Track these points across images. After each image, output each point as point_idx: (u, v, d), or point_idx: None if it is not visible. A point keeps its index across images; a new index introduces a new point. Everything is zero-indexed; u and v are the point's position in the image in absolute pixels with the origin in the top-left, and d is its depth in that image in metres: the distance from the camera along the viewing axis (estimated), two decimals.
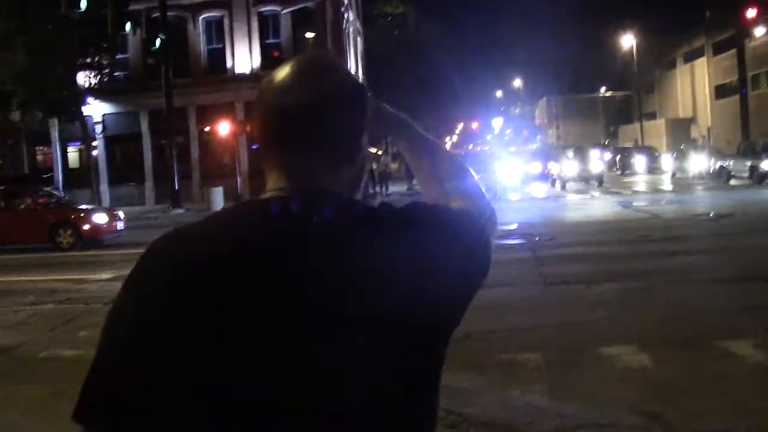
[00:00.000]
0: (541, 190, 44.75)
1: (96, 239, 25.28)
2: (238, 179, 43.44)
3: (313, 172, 1.71)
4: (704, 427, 6.92)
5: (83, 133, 40.32)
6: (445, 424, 7.24)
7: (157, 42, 34.46)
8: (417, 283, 1.60)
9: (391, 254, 1.60)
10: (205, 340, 1.48)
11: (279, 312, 1.51)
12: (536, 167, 54.74)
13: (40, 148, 48.76)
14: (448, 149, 2.27)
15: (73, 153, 48.66)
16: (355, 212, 1.67)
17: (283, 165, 1.72)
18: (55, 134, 45.61)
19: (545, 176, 51.37)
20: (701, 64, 79.53)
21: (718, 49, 74.59)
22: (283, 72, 1.75)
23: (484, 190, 2.15)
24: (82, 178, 42.60)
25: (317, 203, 1.64)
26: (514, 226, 24.10)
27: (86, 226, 25.35)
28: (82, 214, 26.10)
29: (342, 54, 49.35)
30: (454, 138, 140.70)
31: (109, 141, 47.76)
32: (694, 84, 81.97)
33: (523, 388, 8.23)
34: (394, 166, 59.26)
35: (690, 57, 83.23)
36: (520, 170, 54.35)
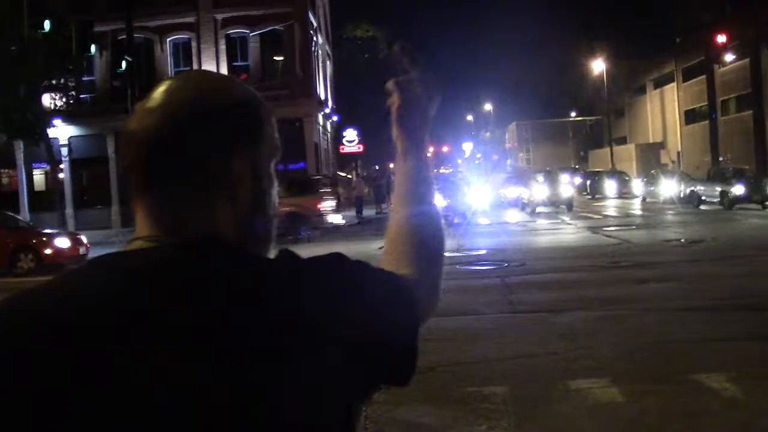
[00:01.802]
0: (511, 214, 44.67)
1: (58, 264, 24.71)
2: None
3: (185, 212, 1.46)
4: None
5: (49, 155, 39.93)
6: None
7: (123, 64, 34.07)
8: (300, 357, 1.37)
9: (269, 320, 1.37)
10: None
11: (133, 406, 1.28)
12: (511, 192, 54.79)
13: (5, 170, 48.25)
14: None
15: (38, 176, 48.08)
16: (232, 267, 1.42)
17: (149, 205, 1.47)
18: (20, 156, 45.08)
19: (516, 201, 51.40)
20: (671, 90, 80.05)
21: (687, 75, 75.05)
22: (152, 93, 1.51)
23: (447, 219, 1.80)
24: (47, 201, 42.22)
25: (190, 255, 1.41)
26: (483, 252, 23.91)
27: (48, 251, 25.10)
28: (44, 239, 25.86)
29: (311, 77, 49.22)
30: None
31: (76, 164, 47.36)
32: (664, 109, 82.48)
33: (489, 425, 7.89)
34: (366, 190, 59.01)
35: (660, 82, 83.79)
36: (491, 195, 54.36)
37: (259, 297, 1.39)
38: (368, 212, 48.96)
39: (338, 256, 1.54)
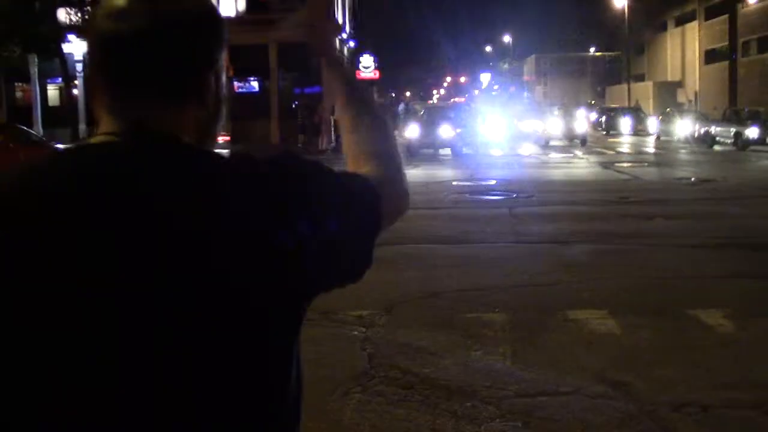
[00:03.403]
0: (524, 147, 44.50)
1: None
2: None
3: (151, 112, 1.48)
4: (669, 399, 6.63)
5: (63, 71, 39.72)
6: (400, 384, 7.04)
7: None
8: (250, 246, 1.40)
9: (221, 213, 1.40)
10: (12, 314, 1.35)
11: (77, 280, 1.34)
12: (526, 124, 54.49)
13: (19, 84, 48.04)
14: (389, 128, 1.96)
15: (53, 91, 47.89)
16: (193, 162, 1.47)
17: (114, 104, 1.50)
18: (34, 71, 44.98)
19: (531, 134, 51.13)
20: (692, 28, 79.10)
21: (710, 14, 74.11)
22: None
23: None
24: (61, 116, 42.12)
25: (150, 150, 1.45)
26: (493, 182, 23.90)
27: None
28: None
29: (330, 1, 48.75)
30: (441, 91, 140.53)
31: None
32: (684, 48, 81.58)
33: (485, 350, 7.95)
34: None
35: (681, 20, 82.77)
36: (506, 126, 54.05)
37: (217, 190, 1.42)
38: None
39: (293, 155, 1.56)
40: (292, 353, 1.49)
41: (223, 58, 1.58)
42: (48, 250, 1.35)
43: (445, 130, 36.75)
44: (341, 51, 52.36)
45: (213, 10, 1.58)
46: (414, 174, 24.50)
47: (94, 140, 1.49)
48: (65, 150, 1.53)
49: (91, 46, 1.51)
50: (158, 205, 1.38)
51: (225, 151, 1.60)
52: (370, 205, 1.60)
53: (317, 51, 1.94)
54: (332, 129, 44.13)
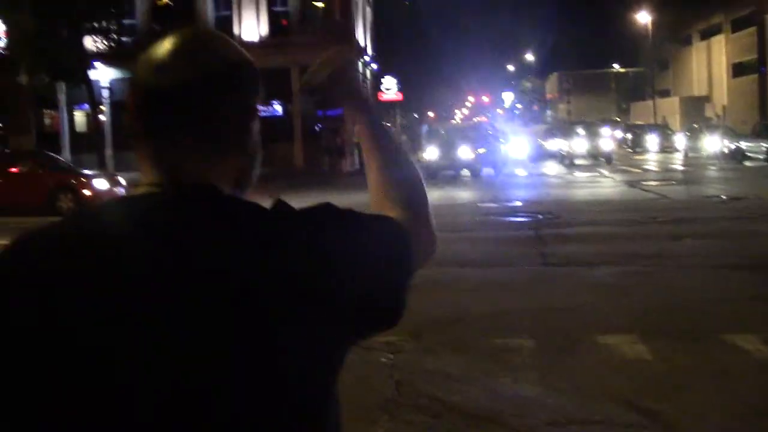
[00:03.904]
0: (549, 166, 44.39)
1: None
2: None
3: (191, 163, 1.52)
4: (705, 428, 6.52)
5: (90, 97, 40.19)
6: (429, 413, 7.02)
7: (162, 6, 33.98)
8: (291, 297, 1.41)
9: (263, 265, 1.41)
10: (48, 365, 1.35)
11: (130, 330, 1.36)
12: (550, 143, 54.41)
13: (47, 111, 48.56)
14: (398, 141, 1.99)
15: (80, 117, 48.50)
16: (236, 215, 1.48)
17: (156, 155, 1.53)
18: (62, 98, 45.49)
19: (555, 153, 51.01)
20: (718, 42, 78.89)
21: (736, 26, 73.91)
22: (162, 47, 1.55)
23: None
24: (88, 142, 42.55)
25: (194, 203, 1.48)
26: (518, 204, 23.82)
27: (86, 191, 25.31)
28: (83, 179, 26.15)
29: (351, 23, 48.91)
30: (464, 111, 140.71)
31: (116, 106, 47.41)
32: (711, 61, 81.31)
33: (513, 376, 7.89)
34: (403, 137, 58.73)
35: (707, 33, 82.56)
36: (529, 146, 53.95)
37: (259, 242, 1.43)
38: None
39: (328, 206, 1.57)
40: (331, 398, 1.50)
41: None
42: (94, 301, 1.37)
43: (464, 151, 36.54)
44: (363, 74, 52.43)
45: (249, 61, 1.61)
46: (437, 196, 24.55)
47: (138, 192, 1.52)
48: (113, 202, 1.58)
49: (133, 98, 1.54)
50: (202, 258, 1.40)
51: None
52: (404, 251, 1.62)
53: (343, 96, 1.93)
54: (356, 152, 44.22)
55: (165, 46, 1.54)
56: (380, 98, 60.88)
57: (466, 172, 36.76)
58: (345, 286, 1.46)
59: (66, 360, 1.34)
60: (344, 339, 1.51)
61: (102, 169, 34.27)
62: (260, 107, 1.63)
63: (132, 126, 1.55)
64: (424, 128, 50.46)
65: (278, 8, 47.43)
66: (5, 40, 38.60)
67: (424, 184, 1.86)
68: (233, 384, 1.37)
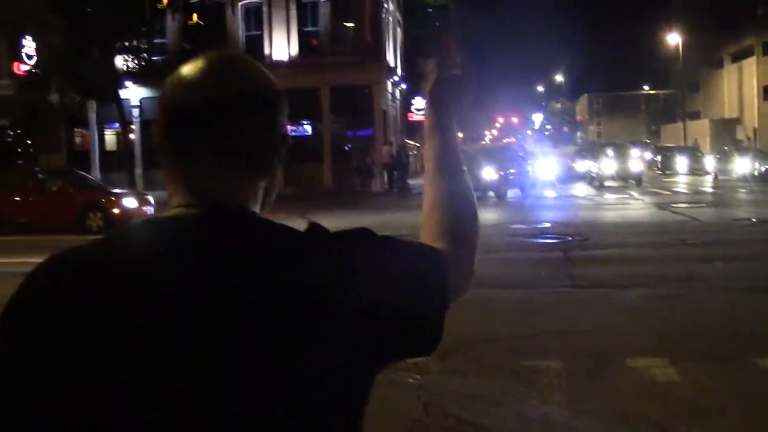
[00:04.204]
0: (578, 188, 44.28)
1: (125, 223, 25.06)
2: None
3: (220, 183, 1.54)
4: None
5: (120, 116, 40.49)
6: None
7: (194, 17, 34.13)
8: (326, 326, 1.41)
9: (299, 288, 1.41)
10: (92, 381, 1.34)
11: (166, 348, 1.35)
12: (580, 165, 54.31)
13: (78, 130, 48.96)
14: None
15: (110, 136, 48.82)
16: (270, 238, 1.49)
17: (186, 174, 1.54)
18: (93, 117, 45.88)
19: (585, 175, 50.91)
20: (750, 64, 78.58)
21: None
22: (191, 68, 1.57)
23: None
24: (118, 161, 42.86)
25: (228, 226, 1.49)
26: (547, 225, 23.75)
27: (116, 210, 25.48)
28: (112, 198, 26.34)
29: (381, 44, 49.01)
30: (494, 132, 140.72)
31: (146, 125, 47.69)
32: (742, 84, 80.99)
33: (542, 398, 7.83)
34: None
35: (738, 56, 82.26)
36: (559, 167, 53.87)
37: (299, 272, 1.43)
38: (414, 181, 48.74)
39: (364, 230, 1.57)
40: (361, 420, 1.50)
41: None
42: (122, 321, 1.37)
43: (488, 173, 36.31)
44: (394, 93, 52.58)
45: (276, 84, 1.62)
46: None
47: (169, 213, 1.53)
48: (145, 223, 1.56)
49: (162, 117, 1.56)
50: (235, 281, 1.40)
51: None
52: (441, 281, 1.60)
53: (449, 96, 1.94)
54: (385, 173, 44.28)
55: (195, 66, 1.56)
56: (410, 118, 61.00)
57: (491, 194, 36.55)
58: (375, 307, 1.45)
59: (90, 377, 1.34)
60: (376, 363, 1.51)
61: (131, 188, 34.48)
62: (289, 128, 1.64)
63: (161, 145, 1.56)
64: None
65: (309, 28, 47.61)
66: (36, 58, 38.99)
67: (477, 216, 1.86)
68: (270, 407, 1.37)
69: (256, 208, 1.58)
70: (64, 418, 1.35)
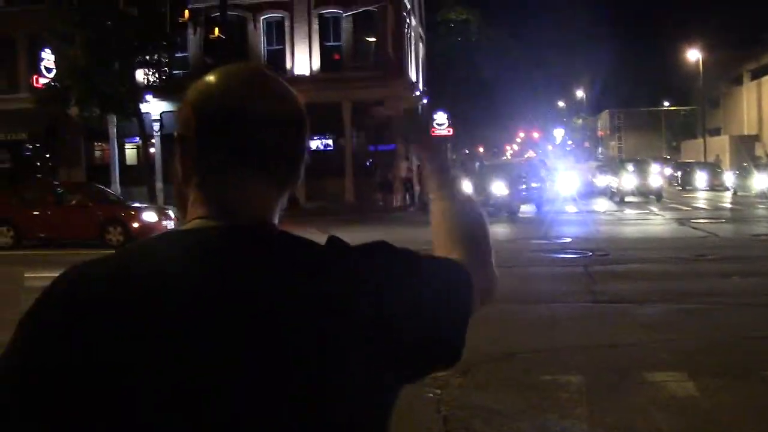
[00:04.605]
0: (599, 203, 44.17)
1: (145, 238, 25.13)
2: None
3: (243, 196, 1.53)
4: None
5: (141, 130, 40.40)
6: None
7: (216, 31, 34.10)
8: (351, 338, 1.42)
9: (320, 302, 1.42)
10: (108, 394, 1.32)
11: (186, 363, 1.34)
12: (601, 180, 54.21)
13: (98, 144, 48.99)
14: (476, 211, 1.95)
15: (130, 150, 48.74)
16: (292, 251, 1.50)
17: (214, 188, 1.53)
18: (113, 131, 45.89)
19: (606, 190, 50.80)
20: None
21: None
22: (223, 79, 1.56)
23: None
24: (138, 175, 42.83)
25: (250, 237, 1.49)
26: (568, 240, 23.71)
27: (136, 224, 25.44)
28: (132, 212, 26.34)
29: (403, 59, 49.01)
30: (515, 146, 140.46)
31: (167, 139, 47.66)
32: (761, 101, 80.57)
33: (561, 413, 7.83)
34: None
35: (758, 73, 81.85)
36: (580, 182, 53.77)
37: (318, 283, 1.44)
38: None
39: (383, 243, 1.58)
40: None
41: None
42: (148, 340, 1.35)
43: (498, 188, 36.14)
44: (415, 107, 52.59)
45: (299, 99, 1.62)
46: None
47: (189, 226, 1.52)
48: (165, 235, 1.55)
49: (188, 127, 1.54)
50: (257, 295, 1.40)
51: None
52: (463, 291, 1.62)
53: (414, 135, 2.01)
54: (405, 187, 44.25)
55: (227, 78, 1.55)
56: (431, 133, 60.94)
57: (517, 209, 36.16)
58: (396, 320, 1.46)
59: (105, 390, 1.32)
60: (400, 377, 1.51)
61: (151, 202, 34.48)
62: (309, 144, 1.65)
63: (185, 154, 1.56)
64: (478, 164, 50.38)
65: (331, 43, 47.58)
66: (55, 71, 39.08)
67: (488, 228, 1.88)
68: (278, 416, 1.36)
69: (276, 221, 1.57)
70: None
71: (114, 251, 1.54)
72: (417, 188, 43.34)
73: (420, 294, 1.52)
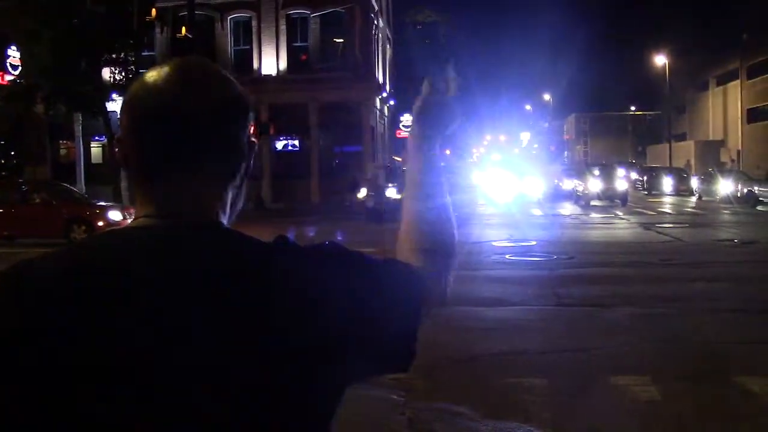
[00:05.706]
0: (564, 207, 44.36)
1: None
2: (263, 182, 43.06)
3: (188, 193, 1.51)
4: None
5: (107, 129, 40.17)
6: None
7: (182, 30, 33.97)
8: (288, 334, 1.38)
9: (266, 301, 1.38)
10: (29, 390, 1.33)
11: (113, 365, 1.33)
12: (566, 184, 54.45)
13: (64, 142, 48.76)
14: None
15: (96, 148, 48.55)
16: (237, 249, 1.47)
17: (155, 186, 1.51)
18: (78, 129, 45.64)
19: (571, 193, 51.02)
20: (734, 87, 78.85)
21: (752, 73, 73.94)
22: (159, 75, 1.52)
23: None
24: (104, 174, 42.61)
25: (194, 236, 1.46)
26: (533, 243, 23.77)
27: (100, 223, 25.31)
28: (97, 211, 26.25)
29: (370, 61, 49.07)
30: (481, 149, 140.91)
31: None
32: (726, 106, 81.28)
33: (525, 416, 7.82)
34: None
35: (723, 79, 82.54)
36: (546, 186, 53.96)
37: (260, 278, 1.41)
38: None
39: (333, 244, 1.55)
40: None
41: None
42: (87, 337, 1.33)
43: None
44: (382, 110, 52.61)
45: (247, 94, 1.59)
46: None
47: (133, 224, 1.50)
48: (110, 232, 1.52)
49: (137, 126, 1.50)
50: (198, 290, 1.37)
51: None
52: (413, 295, 1.58)
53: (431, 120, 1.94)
54: (368, 188, 44.21)
55: (163, 74, 1.52)
56: (398, 135, 60.99)
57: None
58: (338, 322, 1.42)
59: (53, 381, 1.32)
60: (344, 379, 1.48)
61: (117, 201, 34.33)
62: (255, 141, 1.62)
63: (132, 154, 1.52)
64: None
65: (298, 43, 47.61)
66: (21, 69, 38.79)
67: (454, 235, 1.83)
68: (234, 419, 1.34)
69: (224, 219, 1.54)
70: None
71: (55, 249, 1.51)
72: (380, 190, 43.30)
73: (367, 296, 1.48)
